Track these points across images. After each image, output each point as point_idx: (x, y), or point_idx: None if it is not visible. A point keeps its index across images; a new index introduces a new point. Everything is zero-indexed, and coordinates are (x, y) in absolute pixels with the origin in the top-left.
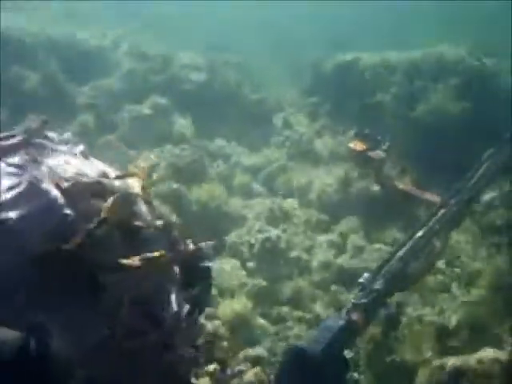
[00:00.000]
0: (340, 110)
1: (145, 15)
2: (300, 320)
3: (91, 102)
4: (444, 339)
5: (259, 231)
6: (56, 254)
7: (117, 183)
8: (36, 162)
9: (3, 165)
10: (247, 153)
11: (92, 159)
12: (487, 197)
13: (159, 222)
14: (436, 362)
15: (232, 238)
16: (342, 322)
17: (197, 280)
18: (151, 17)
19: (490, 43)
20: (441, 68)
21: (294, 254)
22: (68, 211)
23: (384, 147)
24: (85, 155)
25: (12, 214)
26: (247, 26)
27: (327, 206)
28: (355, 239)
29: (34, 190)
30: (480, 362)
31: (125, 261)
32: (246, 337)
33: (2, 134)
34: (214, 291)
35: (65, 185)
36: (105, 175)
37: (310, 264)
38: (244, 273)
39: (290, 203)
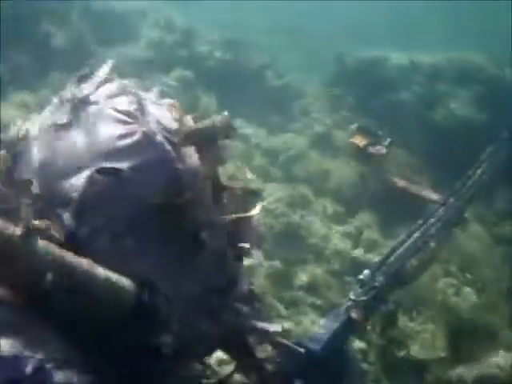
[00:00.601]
0: (361, 104)
1: None
2: (313, 306)
3: (117, 67)
4: (457, 340)
5: (278, 215)
6: (165, 206)
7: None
8: (143, 111)
9: (113, 111)
10: (266, 136)
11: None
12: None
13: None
14: (454, 372)
15: None
16: (341, 320)
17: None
18: None
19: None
20: (463, 74)
21: (311, 240)
22: (180, 165)
23: (385, 143)
24: (174, 108)
25: (126, 164)
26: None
27: (344, 197)
28: (370, 233)
29: (148, 141)
30: (499, 367)
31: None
32: None
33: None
34: None
35: (175, 139)
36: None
37: (325, 252)
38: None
39: (308, 190)
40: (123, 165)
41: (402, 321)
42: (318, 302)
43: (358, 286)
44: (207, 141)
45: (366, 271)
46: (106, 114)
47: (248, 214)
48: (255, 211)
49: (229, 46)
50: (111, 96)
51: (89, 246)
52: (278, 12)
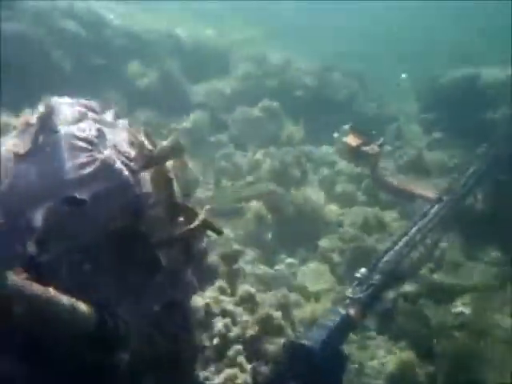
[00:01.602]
0: (456, 124)
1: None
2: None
3: (204, 102)
4: None
5: (352, 239)
6: (124, 230)
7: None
8: (102, 137)
9: (73, 139)
10: None
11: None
12: None
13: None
14: None
15: (324, 243)
16: (340, 317)
17: None
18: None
19: None
20: None
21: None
22: (138, 192)
23: (378, 142)
24: (130, 130)
25: (87, 193)
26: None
27: None
28: (453, 255)
29: (107, 169)
30: None
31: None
32: None
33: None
34: (298, 295)
35: (134, 166)
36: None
37: None
38: (333, 279)
39: (392, 213)
40: (84, 194)
41: (472, 342)
42: None
43: (355, 284)
44: (159, 164)
45: (363, 269)
46: (66, 142)
47: (192, 226)
48: (197, 222)
49: (319, 73)
50: (71, 122)
51: (50, 273)
52: (373, 37)
